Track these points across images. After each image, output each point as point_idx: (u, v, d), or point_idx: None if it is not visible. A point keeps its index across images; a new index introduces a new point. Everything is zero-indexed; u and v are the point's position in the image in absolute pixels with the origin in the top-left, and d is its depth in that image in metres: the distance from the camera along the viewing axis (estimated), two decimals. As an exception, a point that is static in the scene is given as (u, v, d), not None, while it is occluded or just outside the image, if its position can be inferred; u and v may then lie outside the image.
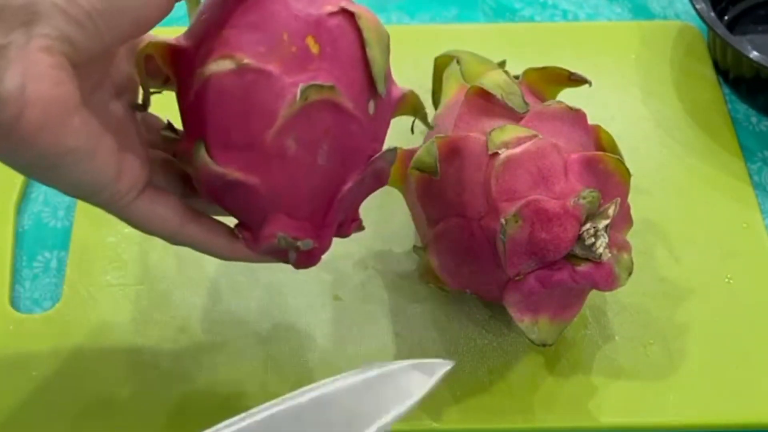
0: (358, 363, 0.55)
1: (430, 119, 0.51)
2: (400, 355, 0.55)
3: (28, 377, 0.54)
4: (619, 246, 0.51)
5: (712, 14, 0.67)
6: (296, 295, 0.58)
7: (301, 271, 0.47)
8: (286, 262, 0.46)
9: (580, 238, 0.49)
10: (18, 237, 0.61)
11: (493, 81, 0.54)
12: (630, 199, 0.53)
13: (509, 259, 0.49)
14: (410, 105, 0.49)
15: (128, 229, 0.59)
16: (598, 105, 0.66)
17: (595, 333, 0.56)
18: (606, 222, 0.49)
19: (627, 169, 0.51)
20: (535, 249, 0.49)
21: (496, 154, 0.50)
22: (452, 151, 0.51)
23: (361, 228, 0.49)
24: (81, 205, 0.61)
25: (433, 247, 0.53)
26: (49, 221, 0.62)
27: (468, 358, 0.55)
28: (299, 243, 0.44)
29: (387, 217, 0.61)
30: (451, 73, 0.58)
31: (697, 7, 0.67)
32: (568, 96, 0.56)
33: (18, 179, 0.62)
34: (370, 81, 0.44)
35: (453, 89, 0.57)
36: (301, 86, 0.42)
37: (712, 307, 0.57)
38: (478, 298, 0.57)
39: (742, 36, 0.71)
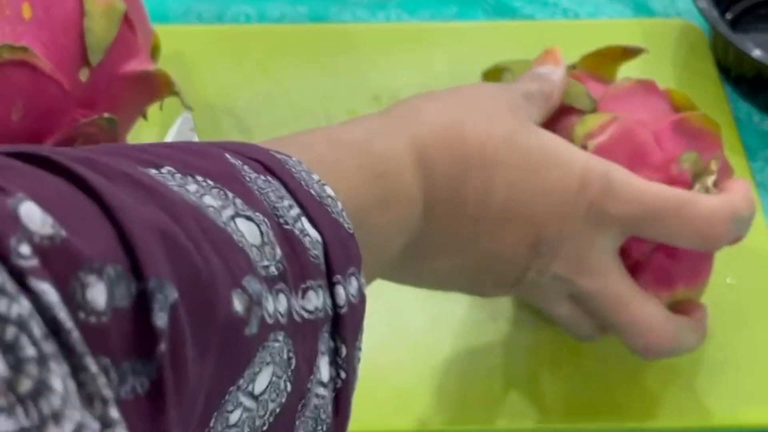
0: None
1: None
2: (400, 355, 0.55)
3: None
4: None
5: (715, 12, 0.67)
6: (295, 294, 0.58)
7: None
8: None
9: None
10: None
11: None
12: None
13: (631, 245, 0.49)
14: (159, 83, 0.51)
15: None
16: (599, 103, 0.66)
17: (596, 333, 0.56)
18: (713, 177, 0.49)
19: (715, 122, 0.50)
20: None
21: (584, 147, 0.49)
22: None
23: None
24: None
25: None
26: (48, 219, 0.62)
27: (468, 357, 0.55)
28: None
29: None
30: None
31: (699, 5, 0.67)
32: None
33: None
34: (85, 50, 0.47)
35: None
36: None
37: (712, 307, 0.57)
38: (478, 298, 0.57)
39: (744, 34, 0.71)
